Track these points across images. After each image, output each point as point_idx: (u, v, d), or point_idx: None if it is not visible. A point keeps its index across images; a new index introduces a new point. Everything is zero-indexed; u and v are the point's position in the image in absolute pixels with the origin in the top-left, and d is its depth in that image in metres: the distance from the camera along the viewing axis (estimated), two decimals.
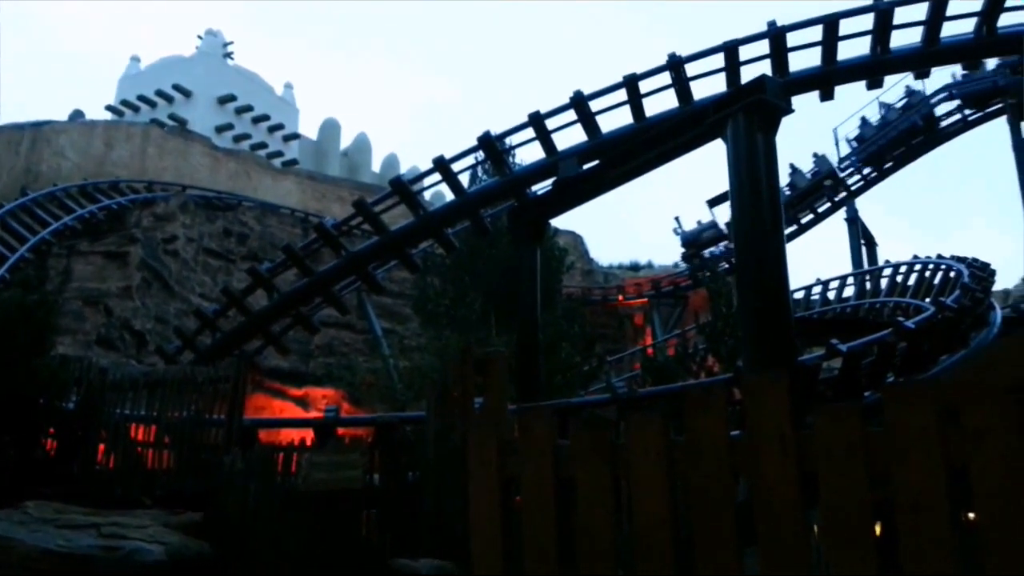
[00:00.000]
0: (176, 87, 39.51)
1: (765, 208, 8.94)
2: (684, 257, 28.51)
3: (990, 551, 2.23)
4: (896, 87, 24.87)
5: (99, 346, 18.47)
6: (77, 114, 35.47)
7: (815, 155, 26.62)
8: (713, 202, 24.58)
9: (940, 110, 24.77)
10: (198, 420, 6.97)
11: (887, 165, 26.04)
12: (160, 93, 39.76)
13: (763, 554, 2.58)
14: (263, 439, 8.27)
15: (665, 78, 11.99)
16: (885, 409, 2.48)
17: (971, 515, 2.61)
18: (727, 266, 25.25)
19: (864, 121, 26.04)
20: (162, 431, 7.14)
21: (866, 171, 26.29)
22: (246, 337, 13.77)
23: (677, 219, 27.93)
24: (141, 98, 40.12)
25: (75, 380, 7.51)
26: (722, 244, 26.92)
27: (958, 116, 24.58)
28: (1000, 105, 22.67)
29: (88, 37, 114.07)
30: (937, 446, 2.37)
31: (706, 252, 27.64)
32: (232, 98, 39.97)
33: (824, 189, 25.97)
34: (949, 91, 24.00)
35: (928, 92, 24.42)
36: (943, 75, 24.22)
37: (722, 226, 26.14)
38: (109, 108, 41.04)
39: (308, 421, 10.83)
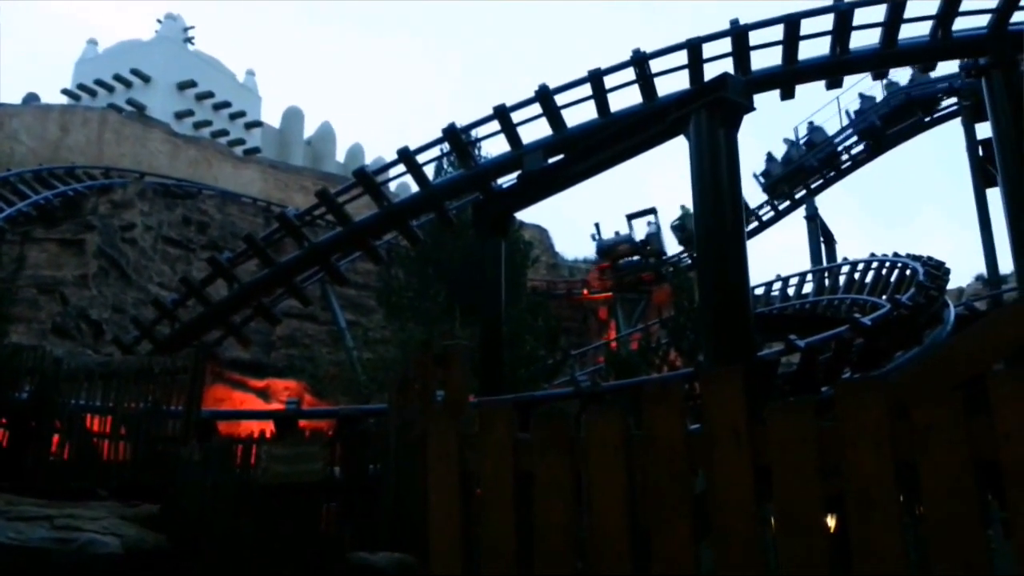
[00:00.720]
0: (134, 72, 38.66)
1: (726, 204, 9.06)
2: (598, 263, 29.82)
3: (936, 544, 2.30)
4: (856, 87, 25.31)
5: (54, 335, 18.05)
6: (31, 97, 34.50)
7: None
8: (632, 216, 27.67)
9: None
10: (155, 411, 6.86)
11: (845, 165, 26.52)
12: (118, 77, 38.86)
13: (718, 547, 2.63)
14: (223, 431, 8.17)
15: (630, 74, 12.08)
16: (837, 404, 2.54)
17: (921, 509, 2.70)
18: (690, 261, 25.56)
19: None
20: (118, 422, 7.02)
21: (824, 170, 26.75)
22: (206, 328, 13.59)
23: (597, 226, 29.08)
24: (98, 82, 39.18)
25: (28, 370, 7.34)
26: (635, 257, 28.47)
27: (914, 119, 25.11)
28: (955, 107, 23.21)
29: (43, 17, 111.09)
30: (887, 441, 2.43)
31: (621, 262, 28.63)
32: (192, 84, 39.23)
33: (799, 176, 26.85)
34: (906, 93, 24.50)
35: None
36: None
37: (636, 240, 28.14)
38: (65, 92, 39.99)
39: (269, 413, 10.71)
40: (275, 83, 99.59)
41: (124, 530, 5.42)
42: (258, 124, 42.37)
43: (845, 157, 26.34)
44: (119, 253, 21.30)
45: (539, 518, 2.95)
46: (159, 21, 42.16)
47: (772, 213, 27.33)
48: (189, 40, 42.42)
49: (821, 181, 26.82)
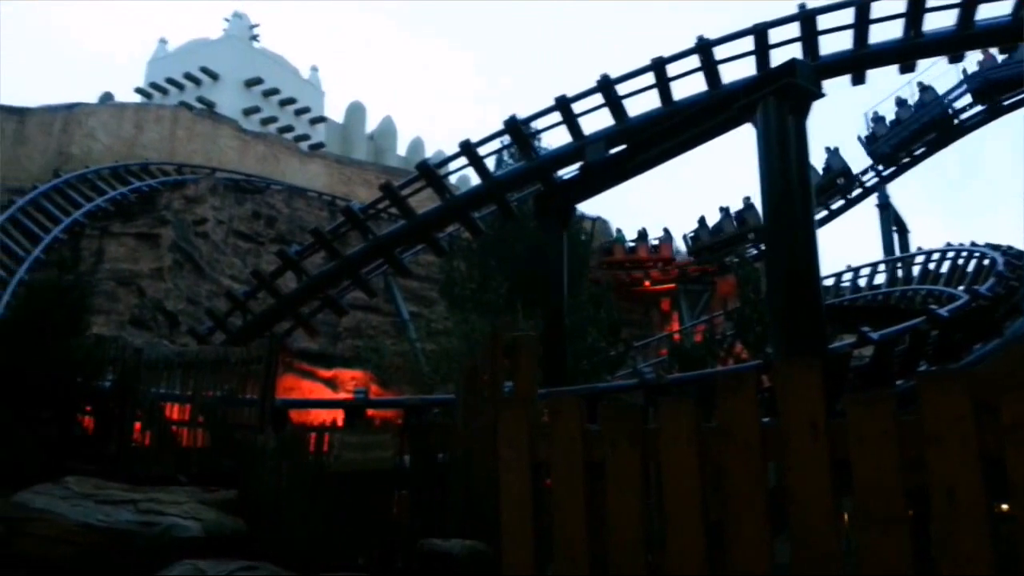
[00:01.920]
0: (204, 70, 39.79)
1: (795, 193, 8.86)
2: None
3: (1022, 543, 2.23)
4: (930, 71, 24.36)
5: (132, 326, 18.78)
6: (107, 96, 35.85)
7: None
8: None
9: (969, 98, 24.19)
10: (231, 400, 7.09)
11: (919, 151, 25.60)
12: (188, 76, 40.07)
13: (794, 539, 2.60)
14: (293, 419, 8.40)
15: (693, 61, 11.89)
16: (920, 396, 2.48)
17: (1004, 507, 2.61)
18: (755, 252, 25.09)
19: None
20: (196, 410, 7.27)
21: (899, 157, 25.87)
22: (276, 319, 13.94)
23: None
24: (169, 80, 40.47)
25: (111, 360, 7.66)
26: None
27: (988, 104, 24.02)
28: None
29: (116, 18, 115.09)
30: (973, 435, 2.37)
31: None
32: (259, 81, 40.20)
33: (839, 186, 25.73)
34: (983, 77, 23.48)
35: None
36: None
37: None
38: (138, 91, 41.44)
39: (338, 402, 10.97)
40: (338, 78, 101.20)
41: (204, 514, 5.63)
42: (322, 119, 43.15)
43: (956, 122, 24.55)
44: (192, 247, 22.01)
45: (610, 508, 2.96)
46: (226, 20, 43.28)
47: (842, 202, 26.60)
48: (255, 38, 43.45)
49: (894, 169, 25.94)
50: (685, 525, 2.76)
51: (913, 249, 22.78)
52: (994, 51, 19.09)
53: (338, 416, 8.00)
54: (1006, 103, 22.92)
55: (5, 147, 20.66)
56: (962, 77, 23.39)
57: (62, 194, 21.03)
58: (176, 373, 7.48)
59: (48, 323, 6.83)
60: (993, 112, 23.42)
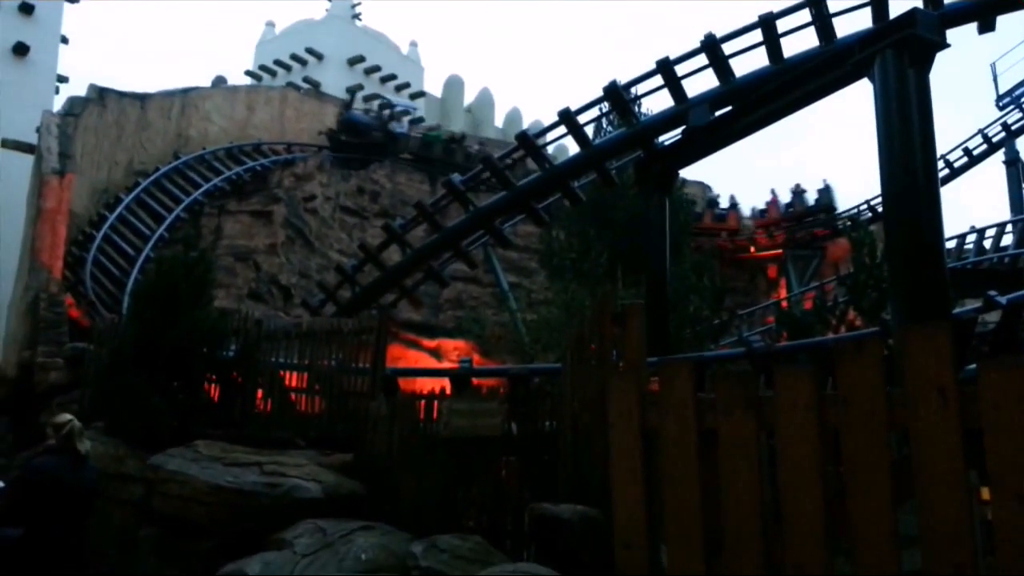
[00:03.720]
0: (309, 50, 40.93)
1: (917, 151, 8.35)
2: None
3: None
4: None
5: (250, 299, 19.73)
6: (220, 80, 37.38)
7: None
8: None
9: None
10: (345, 368, 7.37)
11: None
12: (294, 56, 41.33)
13: (922, 513, 2.50)
14: (402, 387, 8.65)
15: (804, 16, 11.32)
16: None
17: None
18: (870, 214, 23.96)
19: None
20: (313, 378, 7.59)
21: None
22: (382, 291, 14.32)
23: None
24: (277, 62, 41.86)
25: (233, 331, 8.08)
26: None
27: None
28: None
29: (228, 5, 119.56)
30: None
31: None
32: (361, 59, 41.04)
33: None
34: None
35: None
36: None
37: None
38: (248, 73, 43.07)
39: (444, 371, 11.20)
40: (437, 53, 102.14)
41: (323, 477, 5.91)
42: (421, 94, 43.68)
43: None
44: (303, 223, 22.84)
45: (724, 476, 2.92)
46: (329, 0, 44.28)
47: (965, 159, 24.98)
48: (357, 16, 44.32)
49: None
50: (804, 494, 2.70)
51: None
52: None
53: (445, 384, 8.19)
54: None
55: (129, 131, 21.91)
56: None
57: (182, 175, 22.22)
58: (293, 343, 7.83)
59: (176, 297, 7.24)
60: None
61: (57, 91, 26.40)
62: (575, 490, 4.13)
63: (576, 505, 3.56)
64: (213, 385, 8.00)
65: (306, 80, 38.48)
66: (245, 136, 25.90)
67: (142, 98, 22.89)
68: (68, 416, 4.69)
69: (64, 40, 27.29)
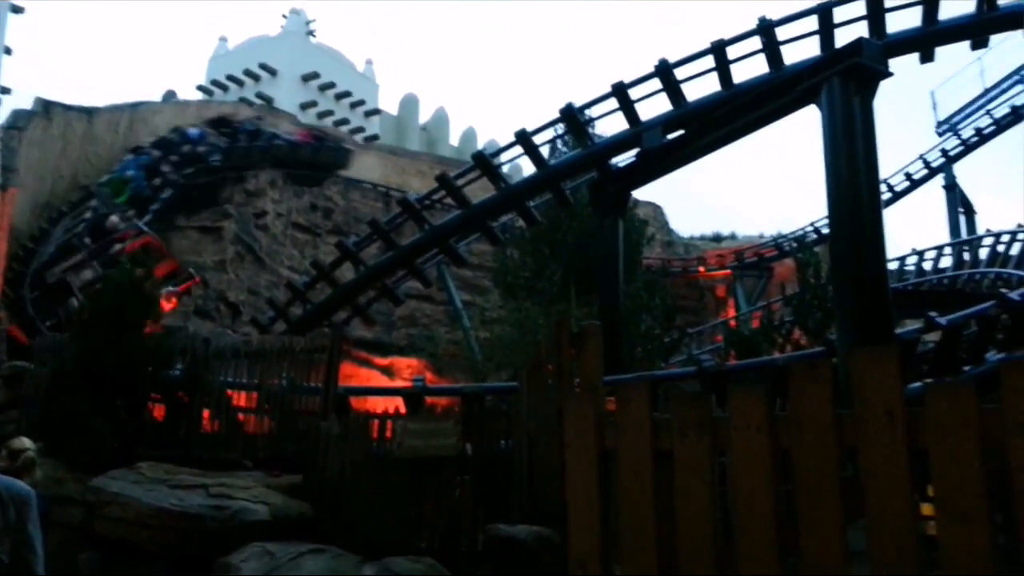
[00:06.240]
0: (262, 66, 40.59)
1: (862, 176, 8.62)
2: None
3: None
4: (1003, 45, 23.43)
5: (197, 316, 19.34)
6: (170, 95, 36.80)
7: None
8: None
9: None
10: (296, 388, 7.24)
11: (988, 130, 24.70)
12: (247, 72, 40.94)
13: (870, 531, 2.55)
14: (353, 406, 8.54)
15: (755, 43, 11.65)
16: (1002, 383, 2.40)
17: None
18: (816, 236, 24.58)
19: None
20: (262, 398, 7.45)
21: (966, 135, 25.01)
22: (334, 308, 14.18)
23: None
24: (229, 77, 41.41)
25: (180, 349, 7.89)
26: None
27: None
28: None
29: (178, 18, 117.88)
30: None
31: None
32: (315, 75, 40.83)
33: None
34: None
35: None
36: None
37: None
38: (200, 88, 42.48)
39: (398, 390, 11.10)
40: (392, 71, 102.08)
41: (271, 499, 5.78)
42: (376, 112, 43.61)
43: None
44: (253, 239, 22.53)
45: (679, 497, 2.94)
46: (284, 16, 44.03)
47: (907, 183, 25.84)
48: (311, 33, 44.14)
49: (961, 148, 25.09)
50: (756, 513, 2.73)
51: (981, 231, 21.98)
52: None
53: (398, 403, 8.10)
54: None
55: (75, 145, 21.38)
56: None
57: None
58: (242, 362, 7.67)
59: (123, 316, 7.07)
60: None
61: (0, 103, 25.70)
62: (530, 510, 4.12)
63: (531, 526, 3.54)
64: (158, 405, 7.80)
65: (259, 96, 38.08)
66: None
67: (89, 112, 22.38)
68: (28, 444, 4.52)
69: (7, 51, 26.55)
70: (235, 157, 22.92)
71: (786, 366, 2.89)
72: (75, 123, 21.49)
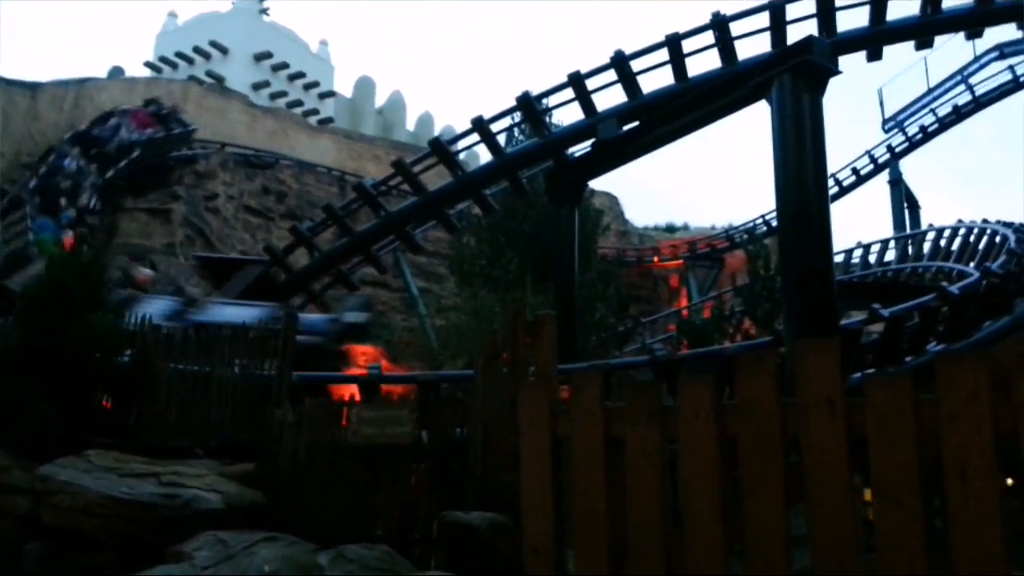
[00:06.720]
0: (213, 43, 39.67)
1: (809, 171, 8.85)
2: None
3: None
4: (946, 46, 24.14)
5: None
6: (117, 71, 35.78)
7: None
8: None
9: (989, 71, 24.06)
10: (250, 374, 7.17)
11: (932, 128, 25.43)
12: (197, 50, 39.97)
13: (809, 515, 2.67)
14: (309, 394, 8.48)
15: (708, 38, 11.80)
16: (937, 375, 2.52)
17: (1009, 481, 2.66)
18: (766, 228, 25.07)
19: None
20: (214, 385, 7.36)
21: (911, 132, 25.72)
22: (288, 294, 14.03)
23: None
24: (179, 55, 40.38)
25: (129, 335, 7.74)
26: None
27: (1009, 77, 23.85)
28: None
29: None
30: (988, 413, 2.42)
31: None
32: (268, 55, 40.06)
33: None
34: (1000, 51, 23.26)
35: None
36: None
37: None
38: (148, 65, 41.37)
39: (353, 377, 11.05)
40: (347, 52, 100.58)
41: (224, 487, 5.73)
42: (331, 94, 43.01)
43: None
44: (203, 222, 22.12)
45: (630, 483, 3.03)
46: None
47: (854, 178, 26.49)
48: (264, 11, 43.25)
49: (906, 144, 25.80)
50: (703, 500, 2.83)
51: (924, 226, 22.69)
52: None
53: (353, 390, 8.09)
54: None
55: (17, 122, 20.70)
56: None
57: None
58: (195, 348, 7.56)
59: (70, 300, 6.91)
60: None
61: None
62: (485, 497, 4.18)
63: (485, 512, 3.60)
64: (108, 392, 7.65)
65: (209, 74, 37.24)
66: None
67: (32, 87, 21.69)
68: None
69: None
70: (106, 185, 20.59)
71: (734, 356, 2.99)
72: (17, 99, 20.83)
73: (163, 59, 40.97)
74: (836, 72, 9.57)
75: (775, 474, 2.72)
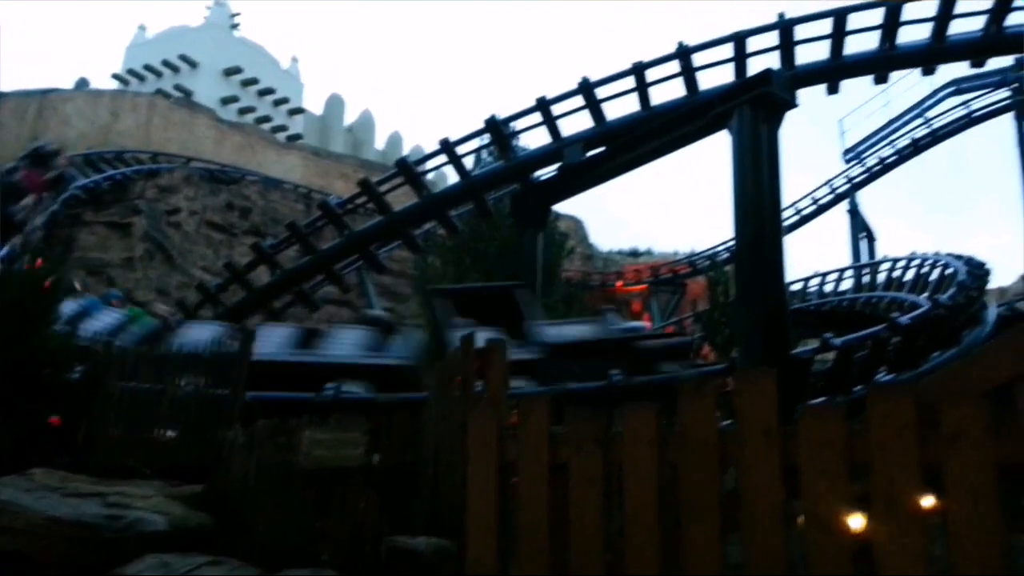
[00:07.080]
0: (182, 57, 39.44)
1: (766, 200, 9.04)
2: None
3: (957, 549, 2.36)
4: (902, 82, 24.87)
5: None
6: (83, 83, 35.36)
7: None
8: None
9: (945, 106, 24.79)
10: (203, 394, 7.08)
11: (890, 160, 26.08)
12: (166, 63, 39.70)
13: (745, 541, 2.72)
14: (262, 414, 8.38)
15: (673, 67, 12.05)
16: (868, 406, 2.60)
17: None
18: (727, 255, 25.40)
19: None
20: (166, 404, 7.25)
21: (870, 163, 26.34)
22: (247, 312, 13.88)
23: None
24: (147, 67, 40.07)
25: (80, 351, 7.61)
26: None
27: (963, 112, 24.60)
28: (1008, 101, 22.71)
29: (95, 3, 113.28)
30: (914, 444, 2.49)
31: None
32: (238, 70, 39.94)
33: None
34: (956, 86, 24.00)
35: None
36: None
37: None
38: (115, 77, 40.96)
39: (307, 397, 10.92)
40: (318, 70, 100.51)
41: (171, 508, 5.63)
42: (300, 111, 42.93)
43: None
44: (164, 236, 21.81)
45: (573, 509, 3.05)
46: (207, 8, 42.90)
47: (813, 207, 27.02)
48: (235, 27, 43.15)
49: (865, 175, 26.42)
50: (643, 525, 2.87)
51: (880, 256, 23.19)
52: None
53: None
54: None
55: None
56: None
57: None
58: (147, 366, 7.45)
59: (22, 315, 6.79)
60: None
61: None
62: (434, 522, 4.17)
63: (431, 537, 3.60)
64: (57, 409, 7.50)
65: (178, 88, 36.96)
66: (107, 143, 24.59)
67: None
68: None
69: None
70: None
71: (677, 383, 3.05)
72: None
73: (131, 71, 40.61)
74: (793, 105, 9.82)
75: (711, 502, 2.77)
